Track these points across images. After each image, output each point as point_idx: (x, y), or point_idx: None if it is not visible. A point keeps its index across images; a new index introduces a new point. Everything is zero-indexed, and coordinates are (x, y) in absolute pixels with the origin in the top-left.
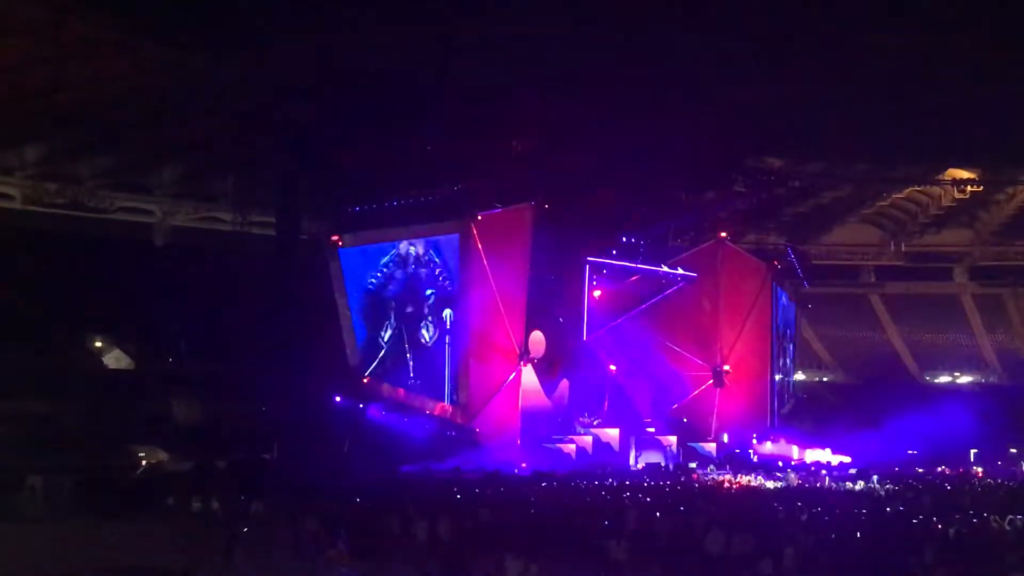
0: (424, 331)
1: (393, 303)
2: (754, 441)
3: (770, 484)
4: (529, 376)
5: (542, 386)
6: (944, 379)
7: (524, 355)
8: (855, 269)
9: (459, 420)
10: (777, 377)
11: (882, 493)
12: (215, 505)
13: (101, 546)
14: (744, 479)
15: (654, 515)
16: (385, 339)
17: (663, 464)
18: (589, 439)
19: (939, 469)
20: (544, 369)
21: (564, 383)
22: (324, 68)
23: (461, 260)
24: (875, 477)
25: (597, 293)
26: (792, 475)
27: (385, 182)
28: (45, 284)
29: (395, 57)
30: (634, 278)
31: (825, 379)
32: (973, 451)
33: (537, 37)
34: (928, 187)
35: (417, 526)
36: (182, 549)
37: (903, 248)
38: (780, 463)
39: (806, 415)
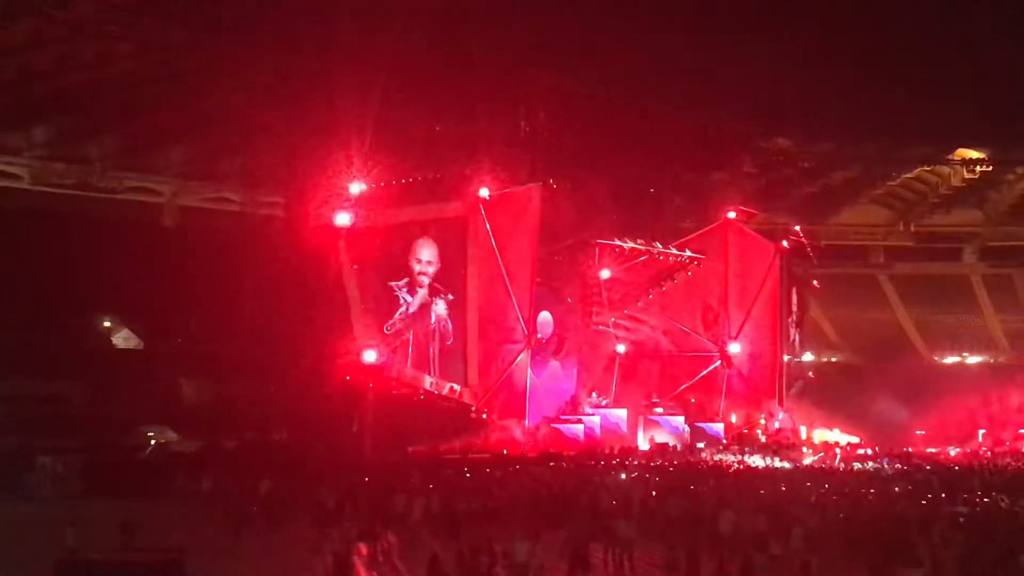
0: (432, 312)
1: (401, 283)
2: (762, 421)
3: (779, 464)
4: (537, 357)
5: (550, 367)
6: (953, 359)
7: (532, 336)
8: (864, 249)
9: (467, 400)
10: (785, 357)
11: (890, 473)
12: (224, 485)
13: (110, 526)
14: (752, 459)
15: (663, 495)
16: (393, 320)
17: (672, 444)
18: (597, 419)
19: (947, 449)
20: (552, 350)
21: (572, 363)
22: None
23: (469, 240)
24: (883, 457)
25: (605, 273)
26: (801, 455)
27: (394, 161)
28: (54, 264)
29: (402, 37)
30: (643, 259)
31: (834, 359)
32: (981, 431)
33: (548, 17)
34: (938, 167)
35: (426, 506)
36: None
37: (912, 228)
38: (788, 443)
39: (814, 395)
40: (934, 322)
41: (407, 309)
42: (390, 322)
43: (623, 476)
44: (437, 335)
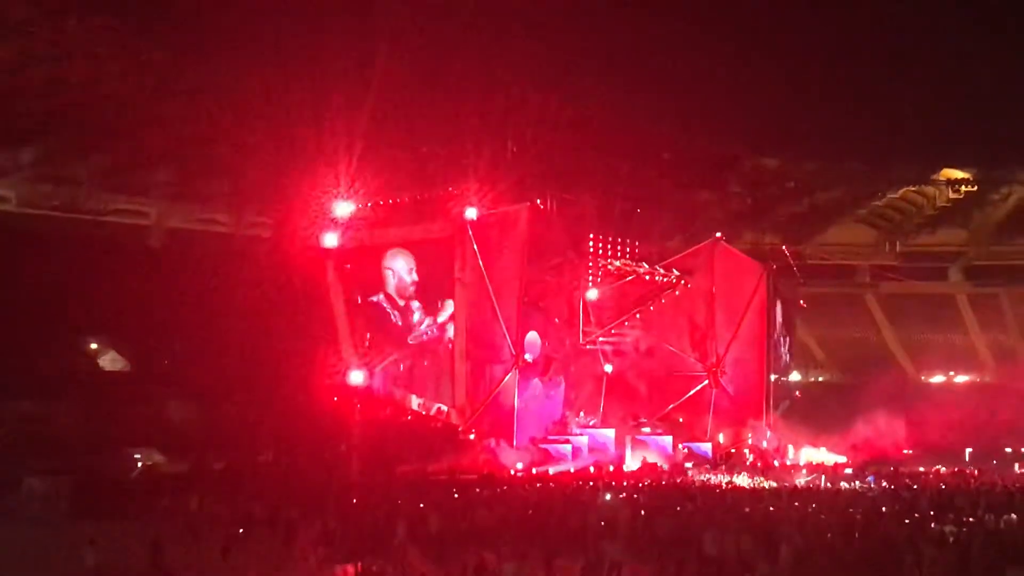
0: (420, 333)
1: (389, 304)
2: (749, 440)
3: (766, 483)
4: (525, 377)
5: (537, 387)
6: (939, 378)
7: (520, 356)
8: (850, 269)
9: (455, 421)
10: (772, 377)
11: (878, 492)
12: (211, 507)
13: (97, 548)
14: (739, 479)
15: (651, 515)
16: (381, 341)
17: (660, 464)
18: (585, 439)
19: (935, 468)
20: (539, 370)
21: (559, 383)
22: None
23: (457, 261)
24: (870, 476)
25: (593, 293)
26: (788, 474)
27: (381, 182)
28: (40, 286)
29: (389, 58)
30: (630, 278)
31: (820, 378)
32: (968, 450)
33: (535, 38)
34: (923, 187)
35: (413, 527)
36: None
37: (898, 248)
38: (776, 463)
39: (801, 414)
40: (920, 341)
41: (395, 330)
42: (378, 343)
43: (608, 496)
44: (425, 356)
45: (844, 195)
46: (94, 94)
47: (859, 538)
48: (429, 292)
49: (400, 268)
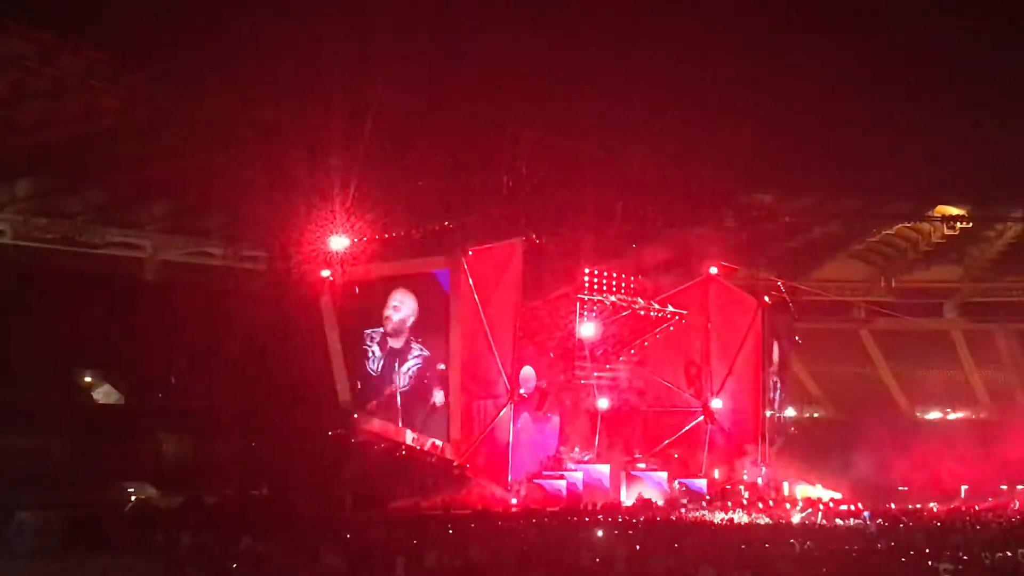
0: (415, 367)
1: (383, 338)
2: (745, 476)
3: (761, 520)
4: (519, 412)
5: (532, 422)
6: (935, 415)
7: (515, 391)
8: (845, 305)
9: (449, 456)
10: (768, 412)
11: (873, 529)
12: (204, 541)
13: None
14: (735, 515)
15: (647, 551)
16: (376, 375)
17: (656, 501)
18: (580, 475)
19: (930, 505)
20: (534, 405)
21: (554, 418)
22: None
23: (451, 295)
24: (866, 513)
25: (588, 328)
26: (783, 511)
27: (376, 216)
28: (35, 319)
29: (385, 93)
30: (625, 314)
31: (816, 414)
32: (964, 487)
33: (529, 71)
34: (918, 223)
35: (408, 563)
36: None
37: (893, 284)
38: (771, 499)
39: (797, 451)
40: (915, 377)
41: (389, 364)
42: (372, 377)
43: (601, 533)
44: (419, 390)
45: (839, 231)
46: (89, 128)
47: (855, 575)
48: (423, 326)
49: (405, 310)
